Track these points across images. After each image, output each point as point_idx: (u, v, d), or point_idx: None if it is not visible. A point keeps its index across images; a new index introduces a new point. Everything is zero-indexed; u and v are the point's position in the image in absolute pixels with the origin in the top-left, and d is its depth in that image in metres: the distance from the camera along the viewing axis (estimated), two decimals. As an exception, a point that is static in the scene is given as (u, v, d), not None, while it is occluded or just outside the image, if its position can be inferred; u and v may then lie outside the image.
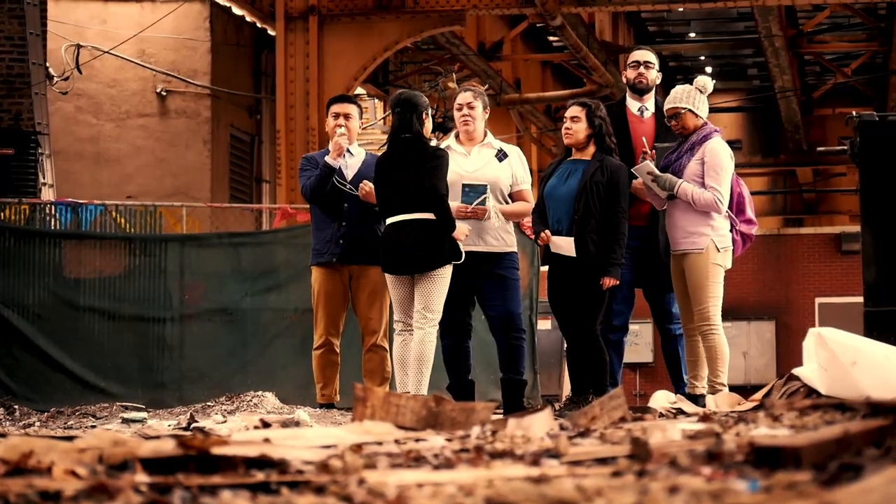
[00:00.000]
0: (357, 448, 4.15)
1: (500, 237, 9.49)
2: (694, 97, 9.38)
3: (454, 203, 9.33)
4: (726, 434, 4.55)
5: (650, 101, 9.84)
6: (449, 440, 4.51)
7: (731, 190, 9.54)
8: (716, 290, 9.36)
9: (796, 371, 8.03)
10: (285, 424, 7.70)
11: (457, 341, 9.49)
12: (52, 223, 14.57)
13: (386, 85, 22.19)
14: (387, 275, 9.41)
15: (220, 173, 20.27)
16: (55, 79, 18.36)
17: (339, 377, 10.13)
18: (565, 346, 10.32)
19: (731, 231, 9.47)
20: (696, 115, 9.41)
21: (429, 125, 9.53)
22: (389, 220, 9.27)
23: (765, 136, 29.34)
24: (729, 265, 9.47)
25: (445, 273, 9.20)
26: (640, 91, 9.79)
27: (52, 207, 14.69)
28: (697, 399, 9.31)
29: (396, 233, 9.19)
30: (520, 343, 9.44)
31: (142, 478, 3.32)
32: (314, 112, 16.93)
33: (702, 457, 3.63)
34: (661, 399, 9.66)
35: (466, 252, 9.19)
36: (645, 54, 9.83)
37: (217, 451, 3.56)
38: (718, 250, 9.34)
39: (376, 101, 24.85)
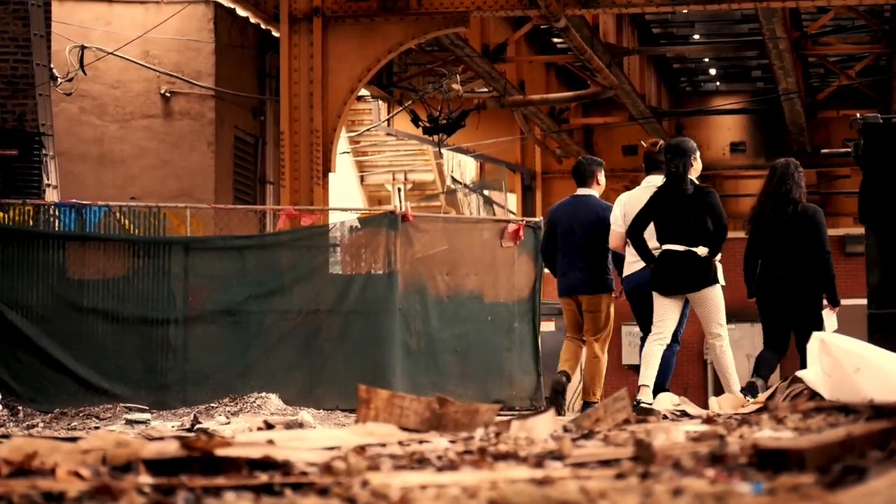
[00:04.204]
0: (360, 450, 4.16)
1: None
2: None
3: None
4: (730, 436, 4.55)
5: None
6: (452, 442, 4.51)
7: None
8: None
9: (800, 373, 8.04)
10: (289, 426, 7.70)
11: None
12: (56, 224, 14.56)
13: (390, 87, 22.17)
14: (657, 294, 10.82)
15: (224, 175, 20.27)
16: (59, 80, 18.37)
17: None
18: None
19: None
20: None
21: (698, 166, 10.96)
22: (664, 247, 10.72)
23: (769, 139, 29.30)
24: None
25: (717, 292, 10.72)
26: None
27: (56, 209, 14.68)
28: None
29: (670, 260, 10.66)
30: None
31: (145, 479, 3.32)
32: (318, 113, 16.92)
33: (705, 459, 3.63)
34: (665, 401, 9.68)
35: None
36: None
37: (221, 452, 3.56)
38: None
39: (380, 102, 24.83)
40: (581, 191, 12.00)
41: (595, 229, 11.69)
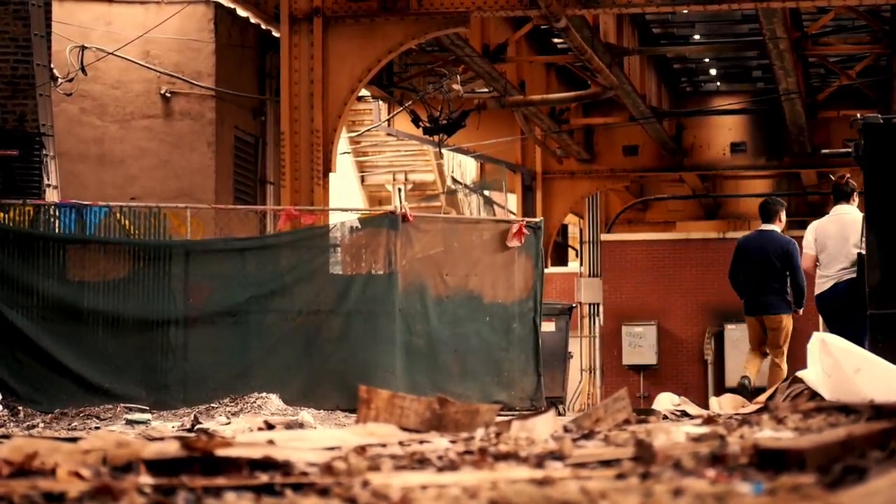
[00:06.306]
0: (361, 450, 4.16)
1: None
2: None
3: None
4: (730, 436, 4.55)
5: None
6: (453, 442, 4.51)
7: None
8: None
9: (800, 374, 8.04)
10: (289, 426, 7.71)
11: None
12: (57, 225, 14.55)
13: (390, 87, 22.18)
14: None
15: (225, 175, 20.27)
16: (60, 80, 18.36)
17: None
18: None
19: None
20: None
21: None
22: None
23: (769, 139, 29.29)
24: None
25: None
26: None
27: (57, 209, 14.67)
28: None
29: None
30: None
31: (146, 479, 3.32)
32: (318, 114, 16.92)
33: (706, 459, 3.63)
34: (665, 401, 9.68)
35: None
36: None
37: (221, 452, 3.56)
38: None
39: (380, 103, 24.83)
40: (765, 226, 14.04)
41: (781, 259, 13.63)
